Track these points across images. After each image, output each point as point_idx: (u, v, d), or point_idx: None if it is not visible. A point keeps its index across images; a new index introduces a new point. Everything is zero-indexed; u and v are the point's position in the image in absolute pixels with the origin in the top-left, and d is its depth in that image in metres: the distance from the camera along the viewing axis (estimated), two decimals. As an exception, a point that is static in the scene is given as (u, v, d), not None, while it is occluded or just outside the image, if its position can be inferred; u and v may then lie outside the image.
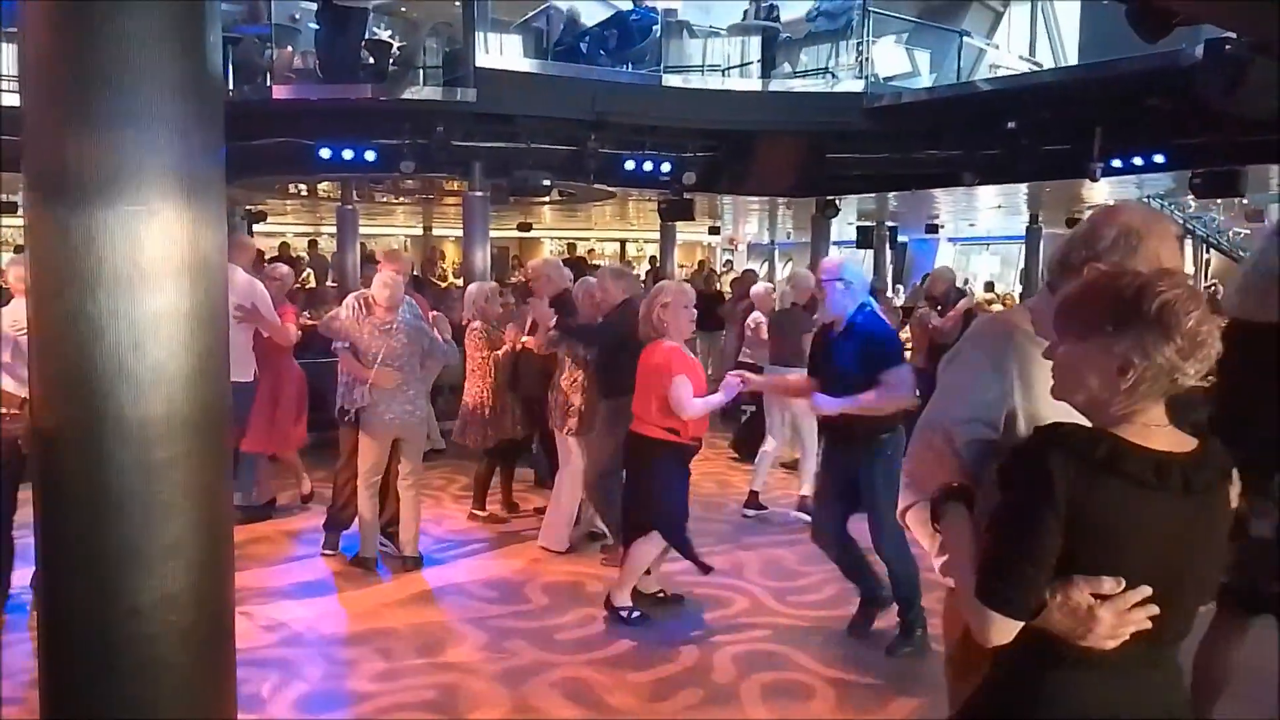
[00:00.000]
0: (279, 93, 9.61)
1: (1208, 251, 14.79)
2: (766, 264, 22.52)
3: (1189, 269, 14.10)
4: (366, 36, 9.77)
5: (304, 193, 13.44)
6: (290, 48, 10.50)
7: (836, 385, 4.24)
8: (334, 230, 14.68)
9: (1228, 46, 5.79)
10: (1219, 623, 3.04)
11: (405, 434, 5.30)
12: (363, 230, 15.55)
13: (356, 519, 5.43)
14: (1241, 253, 13.84)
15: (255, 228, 14.81)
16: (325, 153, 9.67)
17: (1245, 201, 12.82)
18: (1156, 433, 1.54)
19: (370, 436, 5.22)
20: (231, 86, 9.81)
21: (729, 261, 22.33)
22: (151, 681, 1.60)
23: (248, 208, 14.08)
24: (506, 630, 4.58)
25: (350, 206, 12.65)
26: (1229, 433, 1.93)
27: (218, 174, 1.59)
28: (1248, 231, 14.17)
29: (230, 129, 7.72)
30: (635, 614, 4.66)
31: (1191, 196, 11.24)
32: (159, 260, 1.50)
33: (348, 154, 9.65)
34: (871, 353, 4.17)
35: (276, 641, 4.37)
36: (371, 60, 9.73)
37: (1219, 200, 12.46)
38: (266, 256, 11.36)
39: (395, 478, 5.40)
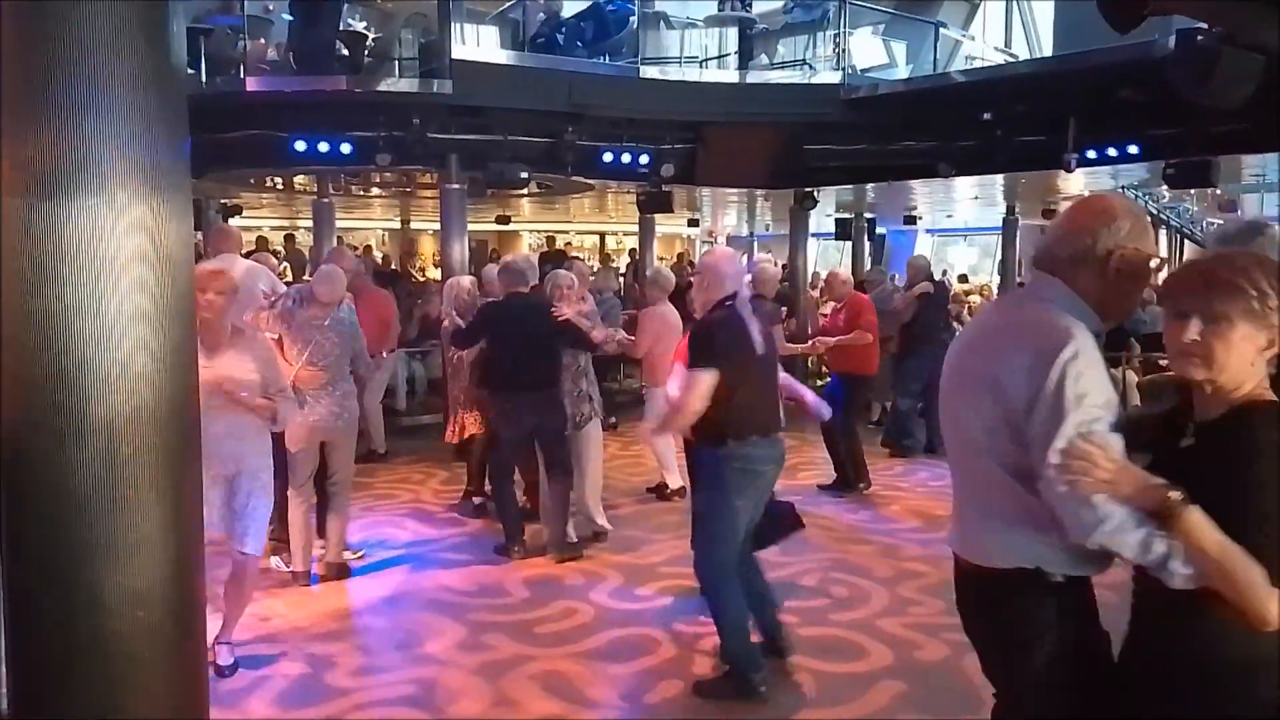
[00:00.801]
0: (252, 85, 9.51)
1: (1181, 242, 14.91)
2: (746, 256, 22.54)
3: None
4: (340, 28, 9.69)
5: (279, 186, 13.32)
6: (263, 39, 10.39)
7: None
8: (310, 224, 14.56)
9: (1199, 37, 5.81)
10: None
11: (330, 438, 5.02)
12: (340, 224, 15.43)
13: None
14: (1215, 243, 13.96)
15: (230, 222, 14.65)
16: (300, 145, 9.57)
17: (1218, 192, 12.96)
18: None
19: (295, 441, 4.86)
20: (204, 79, 9.71)
21: (765, 257, 22.32)
22: (120, 679, 1.58)
23: (222, 201, 13.93)
24: (486, 624, 4.57)
25: (326, 200, 12.54)
26: None
27: (182, 167, 1.56)
28: (1220, 221, 14.29)
29: (203, 122, 7.63)
30: None
31: (1165, 187, 11.35)
32: (123, 253, 1.47)
33: (323, 147, 9.56)
34: (692, 349, 3.86)
35: (253, 638, 4.33)
36: (346, 52, 9.64)
37: (1192, 191, 12.58)
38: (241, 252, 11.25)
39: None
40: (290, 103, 9.55)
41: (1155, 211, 13.76)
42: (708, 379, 3.67)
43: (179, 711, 1.60)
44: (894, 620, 4.67)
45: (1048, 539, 1.95)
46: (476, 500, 6.42)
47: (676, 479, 6.64)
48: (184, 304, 1.54)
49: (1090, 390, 1.87)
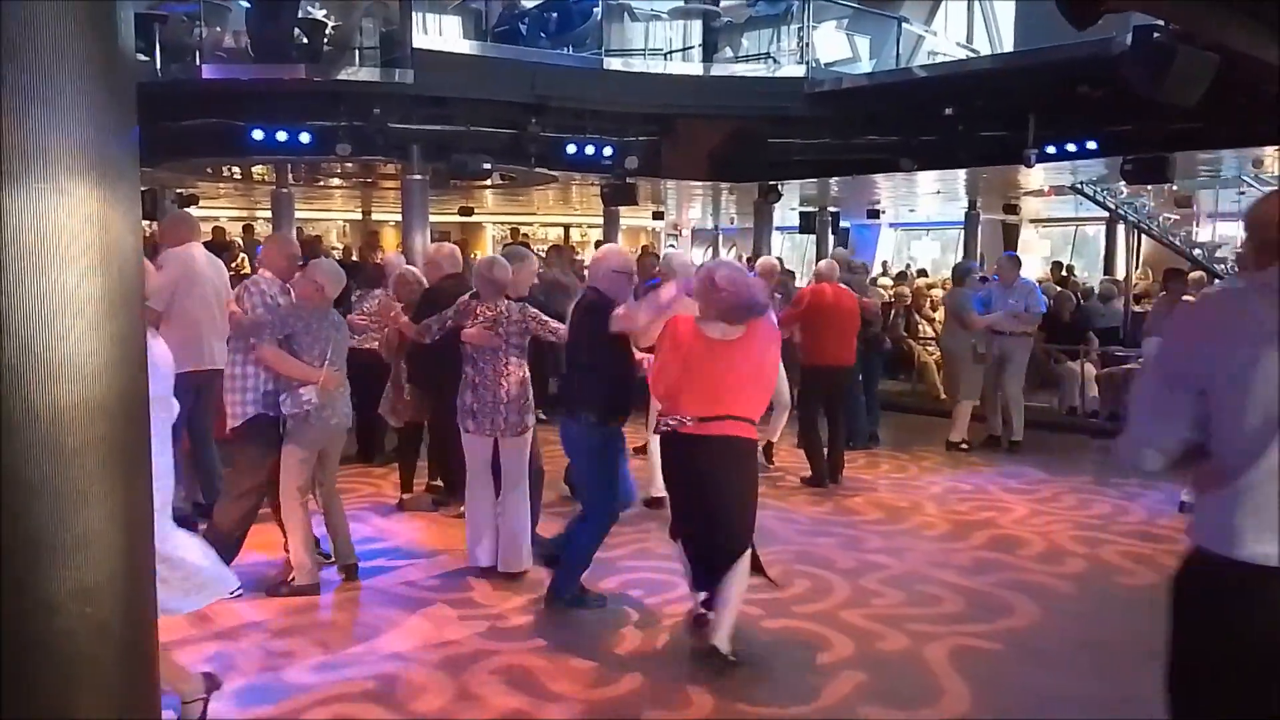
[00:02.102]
0: (208, 73, 9.38)
1: (1139, 237, 15.12)
2: (711, 249, 22.57)
3: (1120, 258, 14.44)
4: (300, 15, 9.56)
5: (237, 176, 13.13)
6: (220, 27, 10.23)
7: None
8: (269, 214, 14.37)
9: (1155, 35, 5.90)
10: None
11: (341, 437, 4.96)
12: (299, 214, 15.25)
13: (291, 544, 4.79)
14: (1171, 238, 14.18)
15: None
16: (258, 134, 9.46)
17: (1174, 188, 13.15)
18: None
19: (306, 447, 4.68)
20: (159, 66, 9.54)
21: (673, 247, 22.33)
22: (70, 678, 1.53)
23: (178, 191, 13.70)
24: (448, 619, 4.53)
25: (285, 190, 12.40)
26: None
27: (130, 154, 1.52)
28: (1177, 217, 14.52)
29: (158, 110, 7.55)
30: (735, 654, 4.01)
31: (1123, 183, 11.51)
32: (68, 240, 1.43)
33: (281, 136, 9.46)
34: None
35: (212, 634, 4.26)
36: (305, 40, 9.52)
37: (1149, 187, 12.76)
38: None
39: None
40: (247, 91, 9.43)
41: (1113, 207, 13.94)
42: None
43: (130, 711, 1.56)
44: (856, 612, 4.69)
45: None
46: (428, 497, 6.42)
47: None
48: (131, 294, 1.50)
49: None
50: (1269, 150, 10.63)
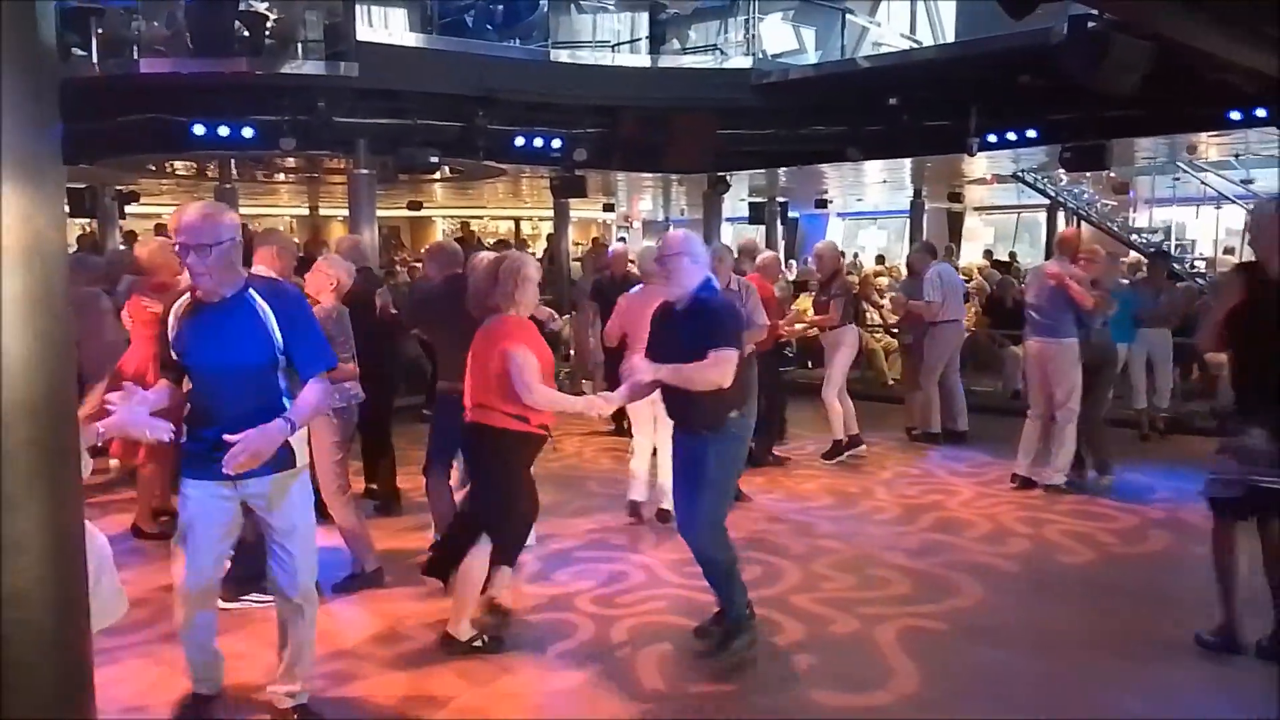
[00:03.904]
0: (147, 67, 9.17)
1: (1079, 224, 15.42)
2: (660, 242, 22.57)
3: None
4: (241, 8, 9.39)
5: (180, 172, 12.88)
6: (158, 21, 10.01)
7: (674, 362, 3.87)
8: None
9: (1090, 24, 6.02)
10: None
11: None
12: (244, 210, 14.99)
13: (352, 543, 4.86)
14: (1110, 224, 14.50)
15: (127, 209, 14.12)
16: (199, 129, 9.29)
17: (1112, 174, 13.46)
18: None
19: (344, 439, 4.81)
20: (96, 60, 9.33)
21: (622, 239, 22.34)
22: (2, 682, 1.51)
23: (117, 188, 13.40)
24: (402, 615, 4.51)
25: (229, 186, 12.19)
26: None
27: (54, 151, 1.49)
28: (1114, 204, 14.85)
29: (95, 105, 7.37)
30: (484, 640, 4.12)
31: (1063, 170, 11.75)
32: (-10, 241, 1.41)
33: (223, 131, 9.30)
34: (703, 329, 3.84)
35: (158, 638, 4.20)
36: (246, 33, 9.36)
37: (1088, 174, 13.04)
38: (138, 238, 10.84)
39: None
40: (188, 85, 9.25)
41: (1054, 194, 14.21)
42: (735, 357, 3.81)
43: (63, 714, 1.55)
44: (807, 596, 4.76)
45: None
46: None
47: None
48: (56, 292, 1.48)
49: None
50: (1203, 136, 10.92)
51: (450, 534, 4.33)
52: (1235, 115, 8.55)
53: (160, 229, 14.64)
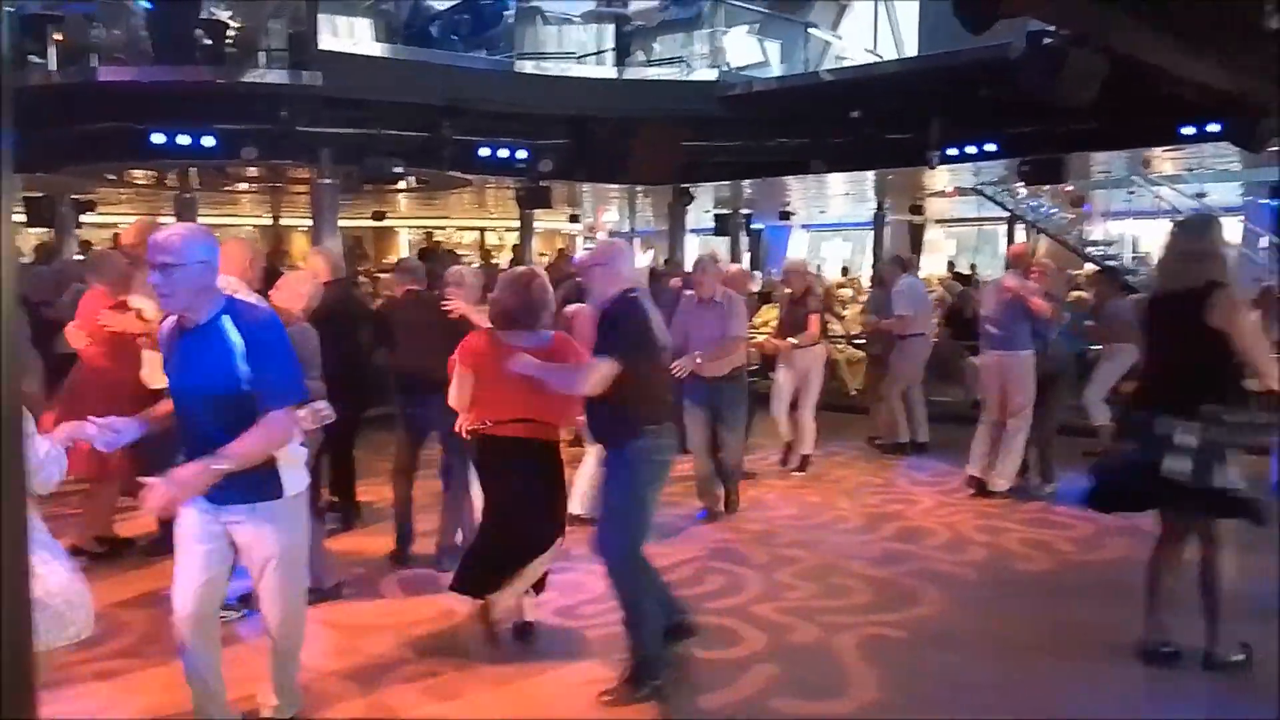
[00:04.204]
0: (106, 74, 9.07)
1: (1038, 236, 15.65)
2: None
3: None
4: (203, 16, 9.32)
5: (139, 181, 12.71)
6: (119, 29, 9.90)
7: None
8: (173, 220, 13.92)
9: (1047, 39, 6.12)
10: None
11: None
12: (204, 219, 14.83)
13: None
14: (1066, 237, 14.73)
15: (82, 219, 13.91)
16: (159, 138, 9.20)
17: (1069, 188, 13.69)
18: None
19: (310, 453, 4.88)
20: (54, 67, 9.21)
21: (589, 250, 22.32)
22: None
23: (73, 197, 13.19)
24: (362, 628, 4.47)
25: (190, 195, 12.05)
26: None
27: (3, 159, 1.47)
28: (1072, 216, 15.08)
29: (53, 113, 7.22)
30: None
31: (1021, 183, 11.93)
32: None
33: (184, 139, 9.21)
34: (598, 336, 3.78)
35: (112, 652, 4.12)
36: (208, 41, 9.28)
37: (1046, 186, 13.24)
38: (94, 247, 10.69)
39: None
40: (148, 93, 9.16)
41: (1013, 208, 14.41)
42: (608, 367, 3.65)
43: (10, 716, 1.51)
44: (769, 605, 4.77)
45: None
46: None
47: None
48: (8, 301, 1.45)
49: None
50: (1157, 150, 11.14)
51: (491, 550, 4.15)
52: (1188, 130, 8.75)
53: (117, 239, 14.44)
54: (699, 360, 5.92)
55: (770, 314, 10.13)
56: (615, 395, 3.68)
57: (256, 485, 3.04)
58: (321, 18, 9.38)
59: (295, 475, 3.19)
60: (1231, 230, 15.45)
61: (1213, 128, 8.47)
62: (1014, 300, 6.53)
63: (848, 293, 12.47)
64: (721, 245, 15.38)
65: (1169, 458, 3.72)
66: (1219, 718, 3.79)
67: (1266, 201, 12.96)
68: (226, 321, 3.00)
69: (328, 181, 10.10)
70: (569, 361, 4.02)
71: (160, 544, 4.79)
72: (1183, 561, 4.08)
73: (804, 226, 22.92)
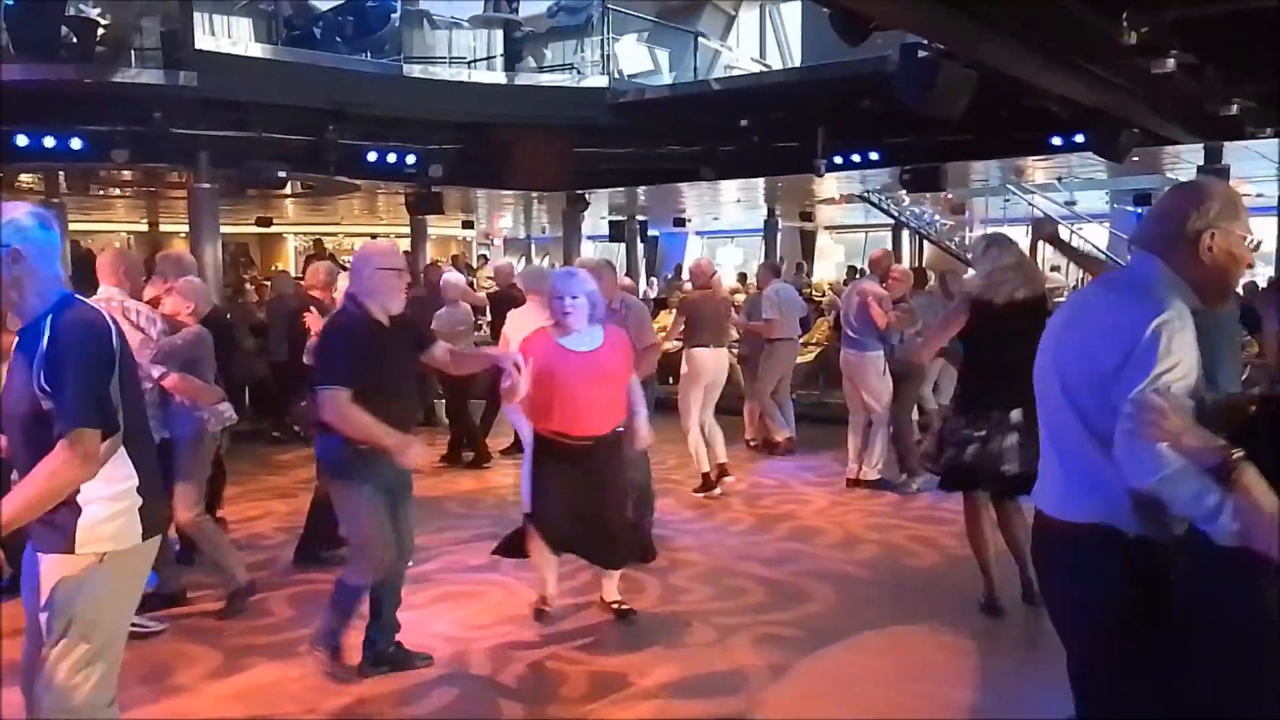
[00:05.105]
0: (-38, 73, 8.53)
1: (921, 243, 16.21)
2: (524, 258, 22.50)
3: (905, 260, 15.38)
4: (68, 13, 8.86)
5: None
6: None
7: None
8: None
9: (920, 52, 6.34)
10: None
11: None
12: (74, 226, 14.16)
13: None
14: (949, 243, 15.29)
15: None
16: (22, 140, 8.73)
17: (949, 196, 14.21)
18: None
19: (208, 458, 4.89)
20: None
21: (483, 256, 22.14)
22: None
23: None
24: (243, 648, 4.31)
25: (56, 200, 11.48)
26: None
27: None
28: (952, 223, 15.67)
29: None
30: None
31: (904, 191, 12.33)
32: None
33: (49, 142, 8.76)
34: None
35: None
36: (75, 39, 8.83)
37: (927, 194, 13.73)
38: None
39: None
40: (10, 93, 8.64)
41: (897, 214, 14.88)
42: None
43: None
44: (666, 608, 4.79)
45: (1122, 498, 2.08)
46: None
47: None
48: None
49: (1177, 354, 2.02)
50: (1028, 160, 11.67)
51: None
52: (1056, 140, 9.19)
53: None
54: None
55: (666, 320, 10.22)
56: None
57: (44, 535, 2.44)
58: (198, 16, 9.05)
59: (92, 532, 2.43)
60: (1098, 236, 16.30)
61: (1078, 138, 8.91)
62: (863, 304, 6.90)
63: (741, 299, 12.63)
64: (616, 251, 15.45)
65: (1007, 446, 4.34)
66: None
67: (1133, 209, 13.68)
68: (47, 323, 2.41)
69: (206, 185, 9.75)
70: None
71: None
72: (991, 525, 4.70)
73: (699, 233, 23.21)
